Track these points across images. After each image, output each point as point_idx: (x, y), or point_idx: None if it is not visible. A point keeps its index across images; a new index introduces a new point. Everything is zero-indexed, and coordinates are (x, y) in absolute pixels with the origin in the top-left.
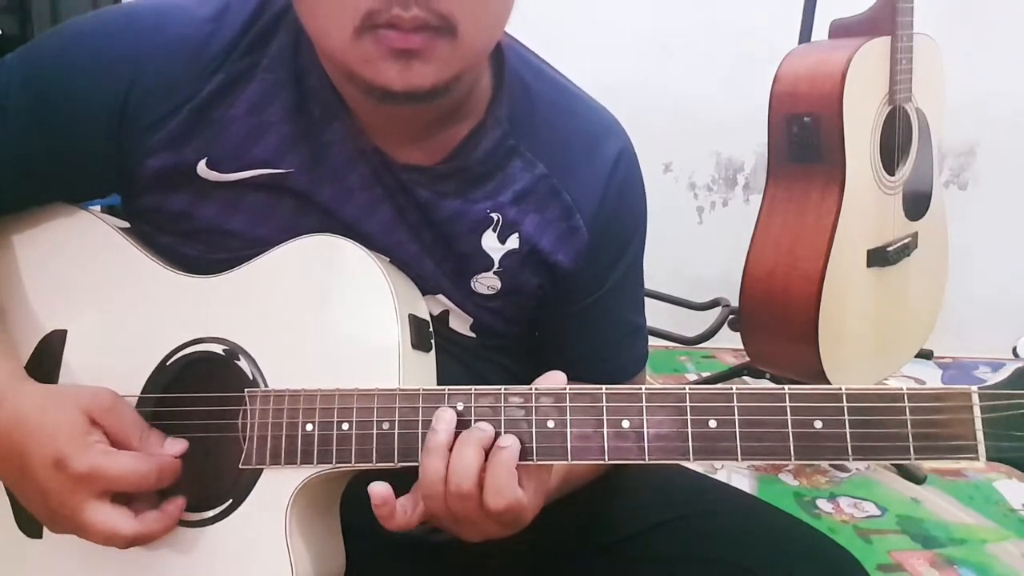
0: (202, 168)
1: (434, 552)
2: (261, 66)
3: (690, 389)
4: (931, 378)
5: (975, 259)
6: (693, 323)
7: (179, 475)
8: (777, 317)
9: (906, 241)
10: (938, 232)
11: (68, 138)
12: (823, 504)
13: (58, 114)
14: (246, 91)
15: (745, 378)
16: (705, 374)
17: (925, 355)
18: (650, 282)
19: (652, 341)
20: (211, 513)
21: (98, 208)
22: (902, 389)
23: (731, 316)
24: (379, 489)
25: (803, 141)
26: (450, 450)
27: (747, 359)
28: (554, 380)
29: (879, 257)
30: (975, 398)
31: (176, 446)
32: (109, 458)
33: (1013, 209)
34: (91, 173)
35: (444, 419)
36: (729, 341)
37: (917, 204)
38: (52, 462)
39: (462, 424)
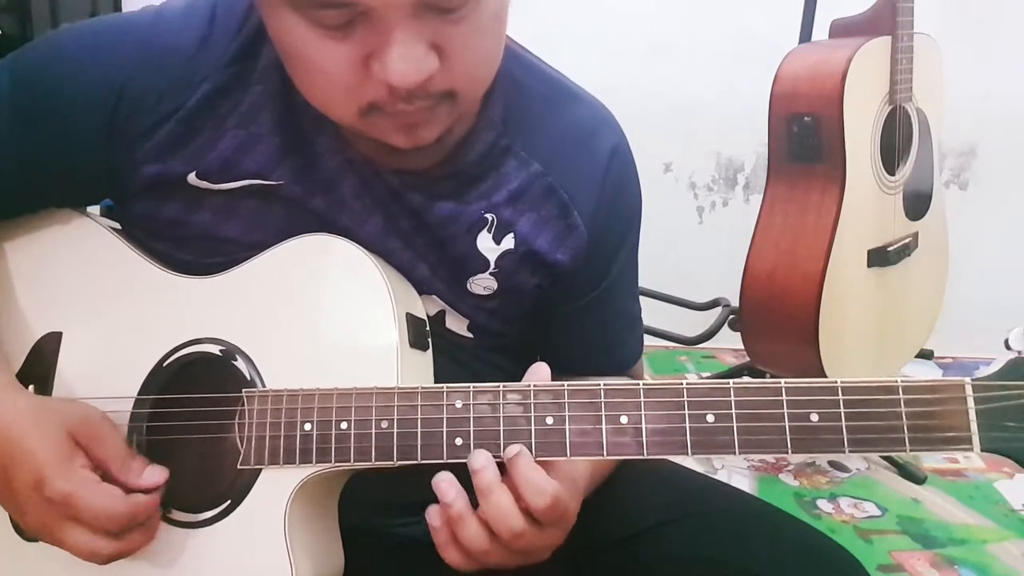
0: (192, 178)
1: (433, 552)
2: (252, 79)
3: (687, 384)
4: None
5: (975, 259)
6: (693, 323)
7: (154, 506)
8: (777, 317)
9: (906, 241)
10: (938, 232)
11: (57, 144)
12: (823, 504)
13: (46, 121)
14: (236, 102)
15: (746, 378)
16: (705, 374)
17: (925, 355)
18: (650, 282)
19: (652, 341)
20: (209, 514)
21: (96, 211)
22: (896, 380)
23: (731, 316)
24: (435, 510)
25: (803, 141)
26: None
27: (747, 359)
28: (539, 372)
29: (879, 257)
30: (968, 389)
31: (155, 475)
32: (87, 490)
33: (1013, 209)
34: (80, 181)
35: (450, 491)
36: (729, 341)
37: (917, 204)
38: (32, 481)
39: (460, 423)
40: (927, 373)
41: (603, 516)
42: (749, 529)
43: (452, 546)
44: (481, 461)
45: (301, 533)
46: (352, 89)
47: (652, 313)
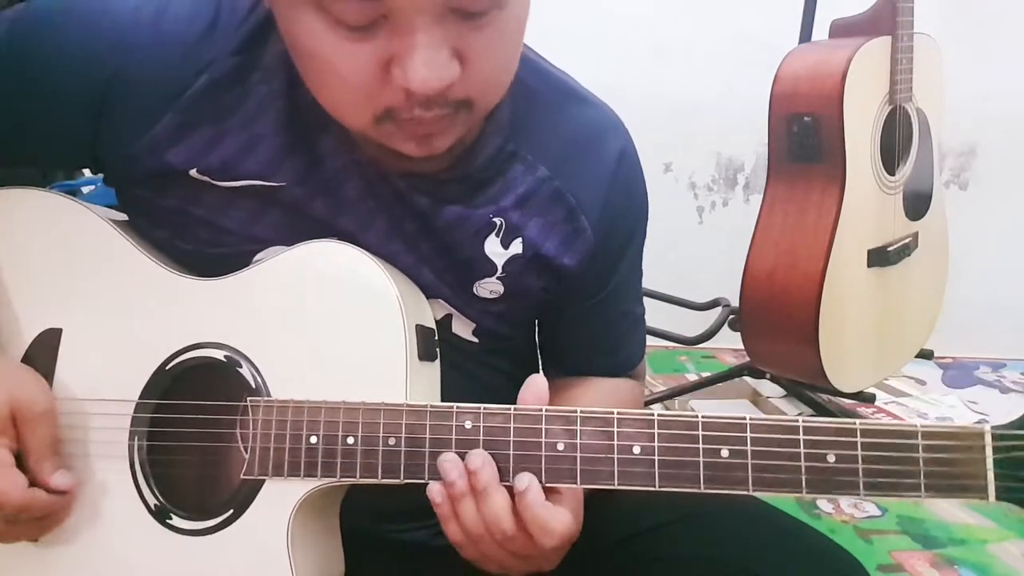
0: (194, 173)
1: (434, 555)
2: (255, 76)
3: (703, 418)
4: (931, 378)
5: (975, 259)
6: (693, 323)
7: (53, 507)
8: (777, 317)
9: (906, 241)
10: (938, 232)
11: (38, 106)
12: (823, 504)
13: (32, 80)
14: (238, 99)
15: (745, 378)
16: (705, 374)
17: (925, 355)
18: (650, 282)
19: (652, 341)
20: (211, 522)
21: (101, 204)
22: (916, 425)
23: (731, 316)
24: (437, 486)
25: (803, 141)
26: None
27: (747, 359)
28: (535, 386)
29: (879, 257)
30: (988, 438)
31: (61, 479)
32: None
33: (1013, 209)
34: (58, 147)
35: (453, 470)
36: (729, 341)
37: (917, 204)
38: None
39: (470, 444)
40: (927, 373)
41: (603, 516)
42: (749, 529)
43: (453, 521)
44: (478, 462)
45: (304, 544)
46: (370, 94)
47: (652, 313)
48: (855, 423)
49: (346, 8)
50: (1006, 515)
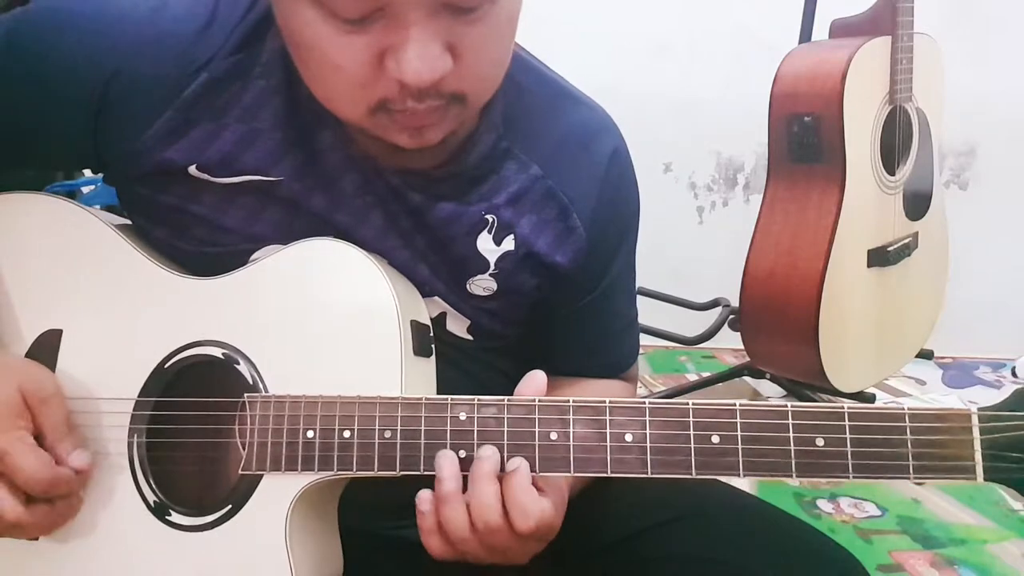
0: (193, 170)
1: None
2: (254, 71)
3: (693, 404)
4: (931, 378)
5: (975, 259)
6: (693, 323)
7: (75, 485)
8: (777, 317)
9: (906, 241)
10: (938, 232)
11: (36, 108)
12: (823, 504)
13: (32, 87)
14: (237, 95)
15: (745, 378)
16: (705, 374)
17: (925, 355)
18: (650, 282)
19: (652, 341)
20: (210, 518)
21: (99, 207)
22: (903, 408)
23: (731, 316)
24: (427, 495)
25: (803, 141)
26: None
27: (747, 359)
28: (534, 380)
29: (879, 257)
30: (975, 419)
31: (80, 457)
32: (18, 448)
33: (1013, 209)
34: (59, 149)
35: (448, 467)
36: (729, 341)
37: (917, 204)
38: None
39: (464, 435)
40: (927, 373)
41: (603, 516)
42: (749, 529)
43: (435, 534)
44: (487, 452)
45: (302, 538)
46: (364, 85)
47: (652, 313)
48: (843, 407)
49: (342, 1)
50: (1006, 515)
